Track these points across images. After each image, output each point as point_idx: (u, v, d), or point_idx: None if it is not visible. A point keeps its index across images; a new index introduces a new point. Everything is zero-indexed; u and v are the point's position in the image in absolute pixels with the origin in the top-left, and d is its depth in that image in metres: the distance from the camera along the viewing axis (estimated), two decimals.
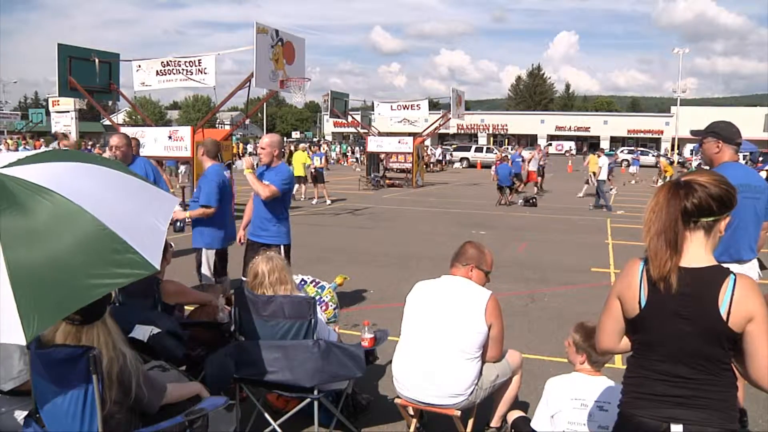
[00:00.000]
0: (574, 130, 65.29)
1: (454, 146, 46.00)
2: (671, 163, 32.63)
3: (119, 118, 60.09)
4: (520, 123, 67.44)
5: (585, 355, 2.85)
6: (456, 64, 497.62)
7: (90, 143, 29.91)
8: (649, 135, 62.82)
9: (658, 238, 1.85)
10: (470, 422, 3.34)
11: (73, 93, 13.32)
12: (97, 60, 13.00)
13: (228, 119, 69.30)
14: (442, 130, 36.06)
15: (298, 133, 75.66)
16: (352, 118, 26.20)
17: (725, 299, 1.80)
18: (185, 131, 12.75)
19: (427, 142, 33.43)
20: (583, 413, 2.73)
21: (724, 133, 3.67)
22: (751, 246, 3.62)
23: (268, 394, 3.74)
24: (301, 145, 23.13)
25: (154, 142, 12.82)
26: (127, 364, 2.38)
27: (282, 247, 5.23)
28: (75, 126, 20.43)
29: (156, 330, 3.35)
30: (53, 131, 20.20)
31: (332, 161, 37.81)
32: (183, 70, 12.83)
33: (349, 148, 48.66)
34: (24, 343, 1.76)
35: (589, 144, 59.56)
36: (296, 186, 15.67)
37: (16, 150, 21.02)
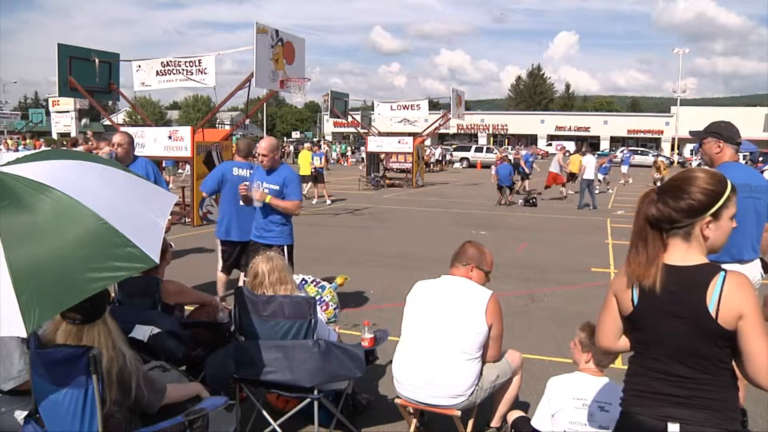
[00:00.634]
0: (574, 130, 65.18)
1: (454, 146, 45.99)
2: (671, 163, 32.37)
3: (119, 118, 60.03)
4: (520, 123, 67.38)
5: (590, 354, 2.85)
6: (456, 64, 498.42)
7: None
8: (649, 135, 62.76)
9: (631, 243, 1.96)
10: (470, 422, 3.34)
11: (73, 93, 13.35)
12: (97, 60, 13.01)
13: (228, 119, 69.26)
14: (442, 130, 36.08)
15: (298, 133, 75.65)
16: (352, 118, 26.21)
17: (714, 296, 1.78)
18: (185, 131, 12.76)
19: (427, 142, 33.42)
20: (584, 413, 2.73)
21: (725, 133, 3.67)
22: (754, 246, 3.61)
23: (268, 394, 3.74)
24: (306, 145, 23.11)
25: (154, 142, 12.82)
26: (126, 364, 2.38)
27: (286, 248, 5.24)
28: (75, 126, 20.45)
29: (156, 330, 3.35)
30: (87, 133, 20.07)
31: (332, 161, 37.81)
32: (183, 70, 12.84)
33: (348, 148, 48.66)
34: (25, 335, 1.77)
35: (588, 144, 59.54)
36: (303, 185, 15.70)
37: (16, 150, 21.04)
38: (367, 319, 3.93)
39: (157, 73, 13.18)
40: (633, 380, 1.98)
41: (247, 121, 50.47)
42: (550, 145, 55.58)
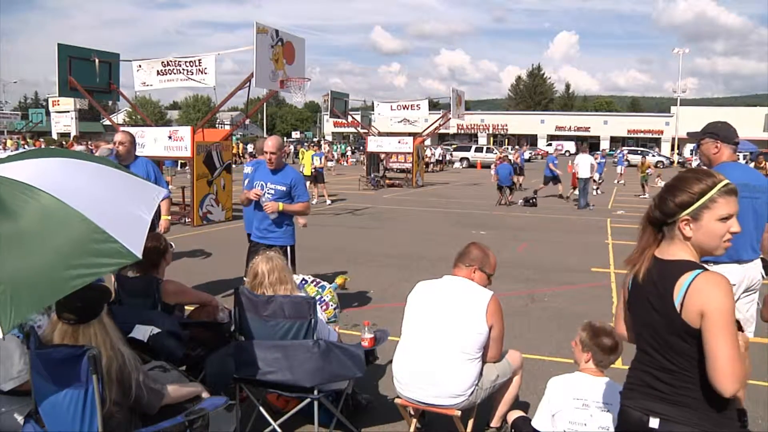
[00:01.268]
0: (574, 130, 65.23)
1: (454, 146, 45.99)
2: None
3: (119, 118, 60.09)
4: (520, 123, 67.40)
5: (590, 353, 2.86)
6: (456, 64, 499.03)
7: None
8: (649, 135, 62.77)
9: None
10: (470, 422, 3.34)
11: (73, 93, 13.35)
12: (97, 60, 13.02)
13: (228, 119, 69.33)
14: (442, 130, 36.05)
15: (298, 133, 75.68)
16: (352, 118, 26.21)
17: (681, 291, 1.80)
18: (185, 131, 12.76)
19: (427, 142, 33.42)
20: (584, 413, 2.73)
21: (722, 133, 3.67)
22: (753, 246, 3.59)
23: (268, 394, 3.74)
24: (314, 147, 23.09)
25: (154, 142, 12.84)
26: (125, 364, 2.38)
27: (288, 248, 5.26)
28: (75, 126, 20.46)
29: (156, 330, 3.35)
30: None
31: (332, 161, 37.79)
32: (183, 70, 12.85)
33: (348, 147, 48.66)
34: (0, 336, 1.74)
35: (588, 144, 59.56)
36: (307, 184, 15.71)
37: (16, 150, 21.02)
38: (367, 319, 3.93)
39: (158, 73, 13.20)
40: (629, 373, 2.04)
41: (247, 121, 50.51)
42: (550, 144, 55.58)
